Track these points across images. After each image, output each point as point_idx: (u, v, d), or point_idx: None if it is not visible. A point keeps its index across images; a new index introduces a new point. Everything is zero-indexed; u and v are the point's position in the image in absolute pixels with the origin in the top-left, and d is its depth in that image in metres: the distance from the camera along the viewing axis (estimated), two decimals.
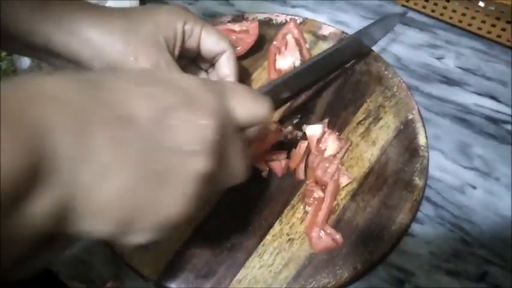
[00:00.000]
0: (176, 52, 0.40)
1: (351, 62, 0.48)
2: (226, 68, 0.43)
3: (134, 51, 0.37)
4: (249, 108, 0.30)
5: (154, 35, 0.38)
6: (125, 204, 0.22)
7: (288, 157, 0.42)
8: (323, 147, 0.42)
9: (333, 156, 0.41)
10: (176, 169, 0.23)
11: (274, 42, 0.50)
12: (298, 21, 0.53)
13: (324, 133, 0.42)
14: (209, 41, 0.41)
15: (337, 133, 0.42)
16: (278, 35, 0.50)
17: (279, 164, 0.41)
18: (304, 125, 0.43)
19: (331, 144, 0.41)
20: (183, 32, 0.40)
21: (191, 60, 0.44)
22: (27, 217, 0.18)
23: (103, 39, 0.37)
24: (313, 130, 0.43)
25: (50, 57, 0.39)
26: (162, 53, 0.38)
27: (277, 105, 0.41)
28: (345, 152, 0.41)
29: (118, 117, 0.22)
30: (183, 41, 0.40)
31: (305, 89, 0.44)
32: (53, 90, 0.21)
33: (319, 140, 0.42)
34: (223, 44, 0.42)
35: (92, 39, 0.37)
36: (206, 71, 0.46)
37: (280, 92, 0.41)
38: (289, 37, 0.49)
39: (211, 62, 0.44)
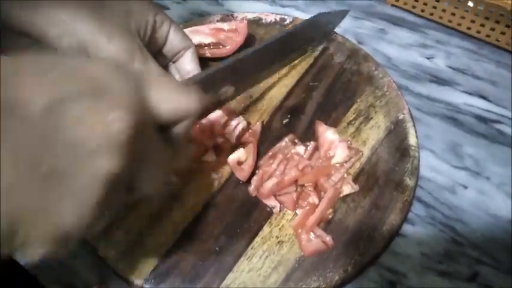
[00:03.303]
0: (145, 42, 0.39)
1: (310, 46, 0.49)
2: (191, 62, 0.43)
3: (107, 32, 0.36)
4: (172, 100, 0.26)
5: (125, 21, 0.37)
6: (10, 205, 0.19)
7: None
8: (331, 154, 0.40)
9: (340, 165, 0.40)
10: (77, 169, 0.20)
11: None
12: (288, 21, 0.52)
13: (334, 140, 0.41)
14: (177, 37, 0.42)
15: (348, 142, 0.41)
16: None
17: (290, 198, 0.38)
18: (318, 121, 0.42)
19: (340, 153, 0.40)
20: (154, 22, 0.40)
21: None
22: None
23: (72, 17, 0.35)
24: (325, 133, 0.41)
25: (12, 38, 0.36)
26: (135, 39, 0.38)
27: (219, 98, 0.38)
28: (354, 163, 0.40)
29: (2, 101, 0.18)
30: (153, 32, 0.40)
31: (253, 80, 0.42)
32: None
33: (329, 146, 0.41)
34: (188, 41, 0.43)
35: (59, 16, 0.35)
36: (165, 66, 0.45)
37: (219, 80, 0.37)
38: None
39: (171, 59, 0.44)
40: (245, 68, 0.41)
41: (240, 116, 0.43)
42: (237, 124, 0.42)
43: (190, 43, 0.43)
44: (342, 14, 0.50)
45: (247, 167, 0.39)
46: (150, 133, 0.25)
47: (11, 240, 0.19)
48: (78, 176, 0.20)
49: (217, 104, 0.39)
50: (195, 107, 0.27)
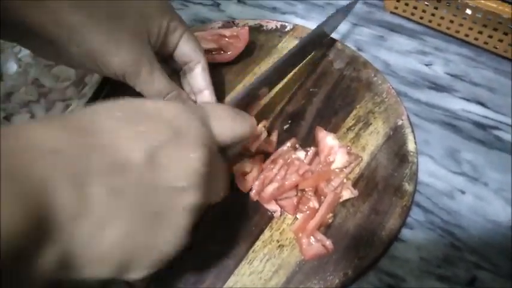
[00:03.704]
0: (156, 47, 0.39)
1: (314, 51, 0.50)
2: (201, 80, 0.42)
3: (117, 41, 0.36)
4: (231, 128, 0.30)
5: (138, 26, 0.37)
6: (124, 249, 0.22)
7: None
8: (331, 159, 0.41)
9: (339, 170, 0.40)
10: (170, 207, 0.24)
11: None
12: (288, 28, 0.53)
13: (334, 145, 0.41)
14: (187, 46, 0.41)
15: (348, 147, 0.42)
16: None
17: (290, 202, 0.38)
18: (318, 127, 0.43)
19: (340, 158, 0.40)
20: (167, 28, 0.39)
21: (162, 60, 0.43)
22: (35, 268, 0.19)
23: (82, 24, 0.34)
24: (325, 139, 0.42)
25: (26, 38, 0.36)
26: (144, 47, 0.37)
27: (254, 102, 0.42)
28: (353, 168, 0.40)
29: (112, 163, 0.22)
30: (165, 37, 0.39)
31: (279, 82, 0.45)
32: (45, 141, 0.20)
33: (329, 151, 0.41)
34: (199, 53, 0.41)
35: (70, 21, 0.34)
36: (178, 72, 0.45)
37: (257, 90, 0.41)
38: None
39: (182, 66, 0.43)
40: (276, 74, 0.43)
41: (261, 126, 0.43)
42: (259, 134, 0.41)
43: (200, 57, 0.42)
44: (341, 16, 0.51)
45: (251, 179, 0.39)
46: (216, 157, 0.28)
47: (125, 271, 0.23)
48: (173, 211, 0.24)
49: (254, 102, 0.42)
50: (249, 132, 0.32)
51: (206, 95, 0.43)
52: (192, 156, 0.25)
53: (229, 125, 0.30)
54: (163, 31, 0.39)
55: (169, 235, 0.24)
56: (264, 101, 0.47)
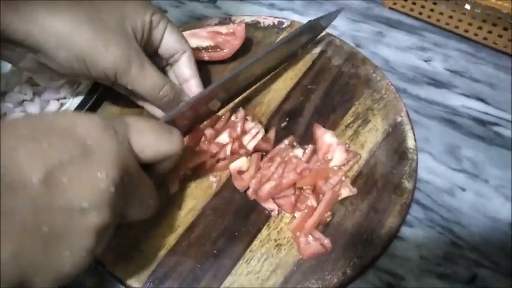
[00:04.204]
0: (142, 43, 0.39)
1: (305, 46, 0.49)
2: (187, 68, 0.42)
3: (104, 40, 0.36)
4: (155, 145, 0.29)
5: (121, 24, 0.37)
6: (18, 268, 0.22)
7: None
8: (329, 157, 0.40)
9: (338, 168, 0.39)
10: (70, 227, 0.23)
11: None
12: (285, 24, 0.52)
13: (333, 143, 0.41)
14: (172, 38, 0.41)
15: (346, 145, 0.41)
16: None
17: (288, 201, 0.38)
18: (316, 124, 0.42)
19: (338, 155, 0.40)
20: (151, 22, 0.39)
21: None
22: None
23: (68, 28, 0.35)
24: (323, 136, 0.41)
25: (8, 47, 0.36)
26: (132, 43, 0.38)
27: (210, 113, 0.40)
28: (352, 166, 0.40)
29: (4, 184, 0.21)
30: (149, 32, 0.39)
31: (244, 89, 0.43)
32: None
33: (327, 149, 0.40)
34: (184, 44, 0.42)
35: (55, 26, 0.35)
36: (163, 68, 0.44)
37: (204, 103, 0.39)
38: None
39: (168, 62, 0.43)
40: (236, 83, 0.42)
41: (258, 124, 0.42)
42: (257, 133, 0.41)
43: (186, 46, 0.42)
44: (334, 15, 0.49)
45: (247, 177, 0.39)
46: (136, 174, 0.28)
47: (25, 286, 0.22)
48: (72, 231, 0.23)
49: (206, 116, 0.41)
50: (175, 150, 0.30)
51: (192, 84, 0.43)
52: (100, 175, 0.24)
53: (152, 141, 0.29)
54: (147, 26, 0.39)
55: (68, 255, 0.23)
56: (262, 98, 0.46)
